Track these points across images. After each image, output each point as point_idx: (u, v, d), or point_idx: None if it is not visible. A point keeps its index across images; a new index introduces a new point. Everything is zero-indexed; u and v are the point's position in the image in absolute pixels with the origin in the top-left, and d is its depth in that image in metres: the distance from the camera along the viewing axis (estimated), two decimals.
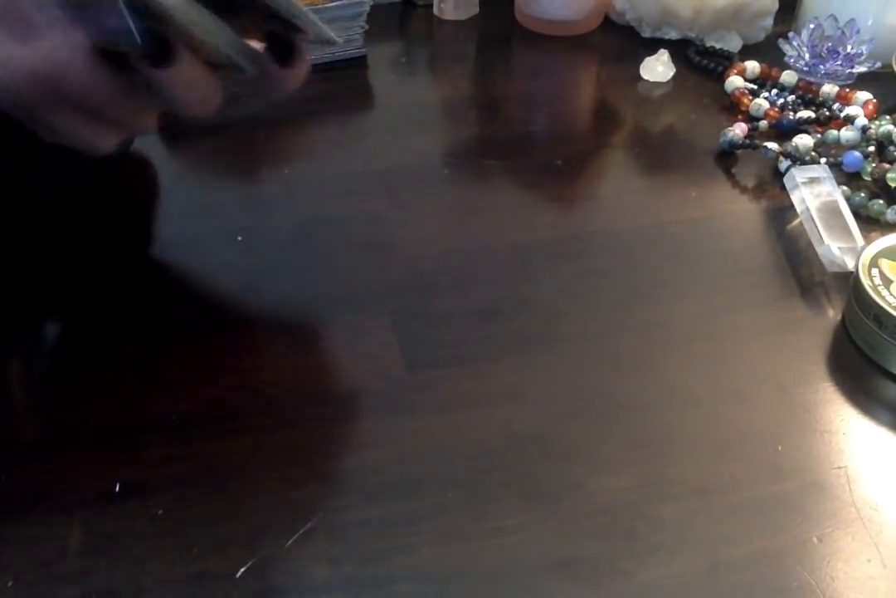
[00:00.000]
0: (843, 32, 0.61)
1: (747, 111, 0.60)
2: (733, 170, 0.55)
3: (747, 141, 0.55)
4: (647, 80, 0.64)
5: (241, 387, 0.39)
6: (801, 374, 0.40)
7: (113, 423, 0.37)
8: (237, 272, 0.45)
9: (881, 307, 0.39)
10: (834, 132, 0.55)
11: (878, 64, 0.62)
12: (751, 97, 0.60)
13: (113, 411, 0.37)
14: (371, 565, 0.32)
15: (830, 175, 0.50)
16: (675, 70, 0.64)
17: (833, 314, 0.44)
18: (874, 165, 0.52)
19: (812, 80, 0.63)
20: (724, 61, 0.65)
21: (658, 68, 0.64)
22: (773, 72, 0.63)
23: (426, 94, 0.64)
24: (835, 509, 0.34)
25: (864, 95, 0.59)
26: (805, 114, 0.58)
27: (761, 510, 0.34)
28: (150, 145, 0.55)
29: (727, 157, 0.56)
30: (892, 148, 0.53)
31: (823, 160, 0.53)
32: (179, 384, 0.39)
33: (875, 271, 0.42)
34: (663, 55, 0.64)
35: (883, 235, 0.44)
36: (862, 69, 0.62)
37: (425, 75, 0.66)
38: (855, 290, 0.42)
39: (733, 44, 0.68)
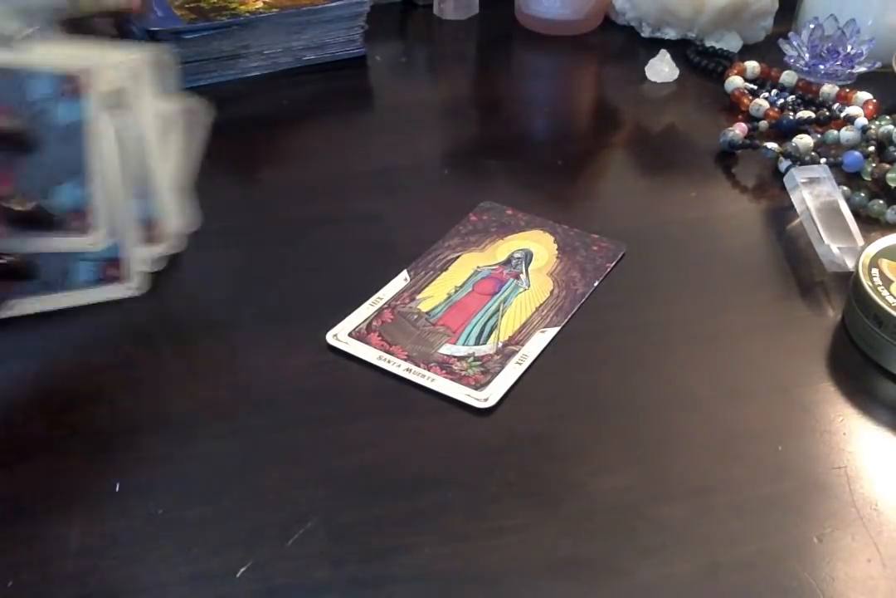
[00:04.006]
0: (843, 32, 0.61)
1: (747, 111, 0.60)
2: (733, 170, 0.55)
3: (747, 141, 0.55)
4: (650, 81, 0.64)
5: (241, 387, 0.39)
6: (801, 374, 0.40)
7: (113, 423, 0.37)
8: (237, 272, 0.45)
9: (881, 307, 0.39)
10: (834, 132, 0.55)
11: (878, 64, 0.62)
12: (751, 97, 0.60)
13: (113, 411, 0.37)
14: (371, 565, 0.32)
15: (830, 175, 0.50)
16: (678, 70, 0.64)
17: (833, 314, 0.44)
18: (874, 165, 0.52)
19: (812, 80, 0.63)
20: (724, 61, 0.65)
21: (664, 69, 0.64)
22: (773, 72, 0.63)
23: (426, 94, 0.64)
24: (835, 509, 0.34)
25: (864, 95, 0.59)
26: (805, 114, 0.58)
27: (761, 510, 0.34)
28: None
29: (727, 157, 0.56)
30: (892, 148, 0.53)
31: (823, 160, 0.53)
32: (179, 384, 0.39)
33: (875, 271, 0.42)
34: (665, 55, 0.64)
35: (883, 235, 0.44)
36: (862, 69, 0.62)
37: (425, 75, 0.67)
38: (855, 290, 0.42)
39: (733, 44, 0.68)
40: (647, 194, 0.53)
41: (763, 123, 0.58)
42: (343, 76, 0.64)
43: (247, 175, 0.53)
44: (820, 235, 0.46)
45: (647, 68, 0.65)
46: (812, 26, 0.62)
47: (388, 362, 0.40)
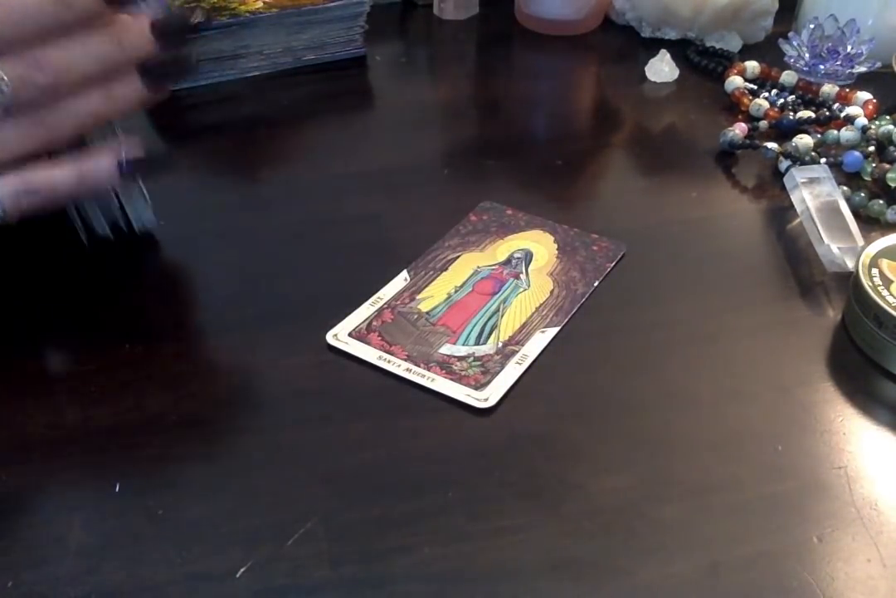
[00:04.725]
0: (843, 32, 0.61)
1: (747, 111, 0.60)
2: (733, 170, 0.55)
3: (747, 141, 0.55)
4: (650, 81, 0.64)
5: (241, 387, 0.39)
6: (801, 374, 0.40)
7: (113, 423, 0.37)
8: (237, 272, 0.45)
9: (881, 307, 0.39)
10: (834, 132, 0.55)
11: (878, 64, 0.62)
12: (751, 97, 0.60)
13: (113, 411, 0.37)
14: (371, 565, 0.32)
15: (830, 175, 0.50)
16: (678, 69, 0.64)
17: (833, 314, 0.44)
18: (874, 165, 0.52)
19: (812, 80, 0.63)
20: (724, 61, 0.65)
21: (664, 69, 0.64)
22: (773, 72, 0.63)
23: (426, 94, 0.64)
24: (835, 509, 0.34)
25: (864, 95, 0.59)
26: (805, 114, 0.58)
27: (761, 510, 0.34)
28: (150, 145, 0.55)
29: (727, 157, 0.56)
30: (892, 148, 0.53)
31: (823, 160, 0.53)
32: (179, 384, 0.39)
33: (875, 271, 0.42)
34: (665, 55, 0.64)
35: (883, 235, 0.44)
36: (862, 69, 0.62)
37: (425, 75, 0.66)
38: (855, 290, 0.42)
39: (733, 44, 0.68)
40: (647, 194, 0.53)
41: (763, 123, 0.58)
42: (343, 76, 0.64)
43: (247, 175, 0.53)
44: (820, 235, 0.46)
45: (647, 68, 0.65)
46: (812, 26, 0.62)
47: (388, 362, 0.40)
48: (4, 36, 0.32)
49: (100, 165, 0.37)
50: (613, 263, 0.46)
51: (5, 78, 0.33)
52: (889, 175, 0.51)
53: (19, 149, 0.35)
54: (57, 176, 0.36)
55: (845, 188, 0.50)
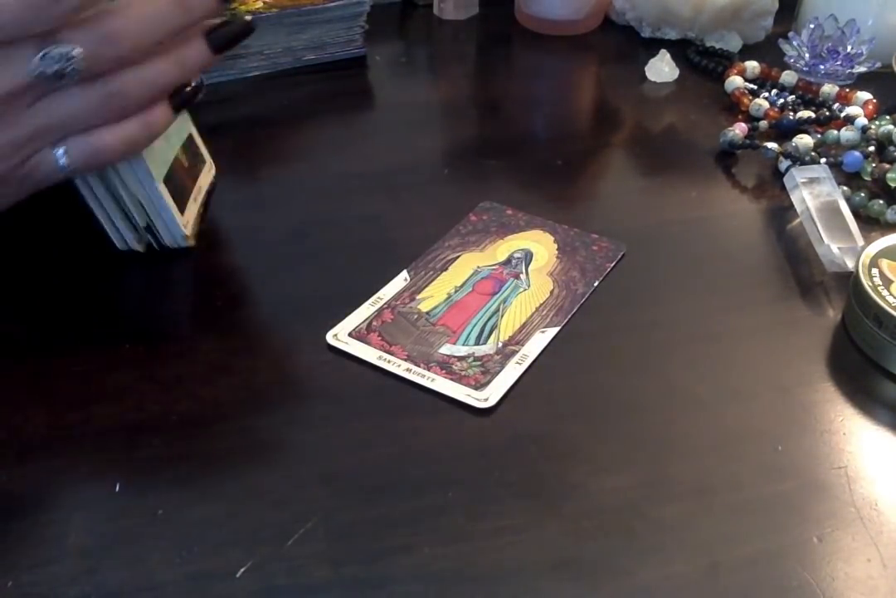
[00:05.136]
0: (843, 32, 0.61)
1: (747, 111, 0.60)
2: (733, 170, 0.55)
3: (747, 141, 0.55)
4: (650, 81, 0.64)
5: (241, 387, 0.39)
6: (801, 374, 0.40)
7: (113, 423, 0.37)
8: (237, 272, 0.45)
9: (881, 307, 0.39)
10: (834, 132, 0.55)
11: (878, 64, 0.62)
12: (751, 97, 0.60)
13: (113, 411, 0.37)
14: (371, 565, 0.32)
15: (830, 175, 0.50)
16: (678, 69, 0.64)
17: (833, 314, 0.44)
18: (874, 165, 0.52)
19: (812, 80, 0.63)
20: (724, 61, 0.66)
21: (664, 69, 0.64)
22: (773, 72, 0.63)
23: (426, 94, 0.64)
24: (835, 509, 0.34)
25: (864, 95, 0.59)
26: (805, 114, 0.58)
27: (761, 510, 0.34)
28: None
29: (727, 157, 0.56)
30: (892, 148, 0.53)
31: (823, 160, 0.53)
32: (179, 384, 0.39)
33: (875, 271, 0.42)
34: (665, 55, 0.64)
35: (883, 235, 0.44)
36: (862, 69, 0.62)
37: (425, 75, 0.67)
38: (855, 290, 0.42)
39: (733, 44, 0.68)
40: (647, 194, 0.53)
41: (763, 123, 0.58)
42: (343, 76, 0.64)
43: (247, 175, 0.53)
44: (820, 235, 0.46)
45: (647, 68, 0.65)
46: (812, 26, 0.62)
47: (388, 361, 0.40)
48: (75, 6, 0.32)
49: (161, 112, 0.38)
50: (613, 263, 0.46)
51: (77, 56, 0.33)
52: (889, 175, 0.51)
53: (90, 118, 0.35)
54: (124, 131, 0.37)
55: (845, 188, 0.50)
